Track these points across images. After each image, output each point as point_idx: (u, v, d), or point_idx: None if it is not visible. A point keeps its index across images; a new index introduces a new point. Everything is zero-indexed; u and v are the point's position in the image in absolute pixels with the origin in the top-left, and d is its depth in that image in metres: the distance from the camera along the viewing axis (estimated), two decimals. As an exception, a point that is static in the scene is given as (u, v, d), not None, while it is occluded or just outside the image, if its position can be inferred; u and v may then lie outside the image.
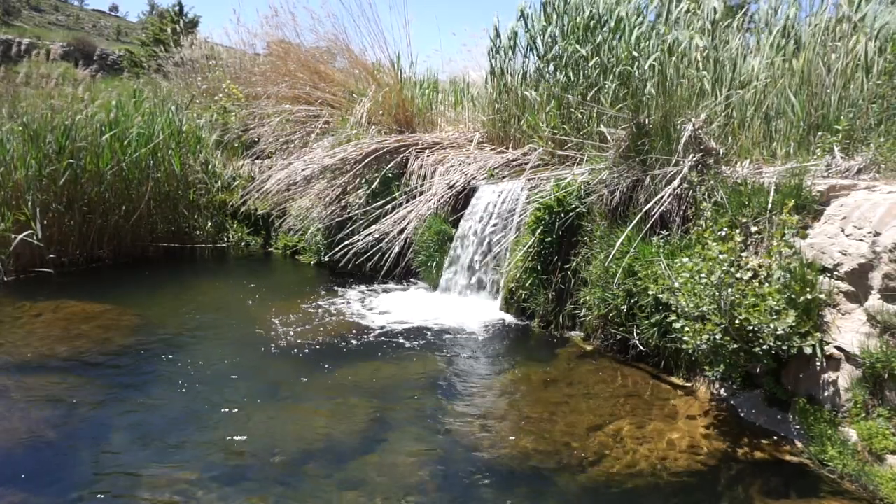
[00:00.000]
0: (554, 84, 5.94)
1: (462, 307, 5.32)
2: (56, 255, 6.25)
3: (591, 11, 5.58)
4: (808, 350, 3.01)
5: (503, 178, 5.83)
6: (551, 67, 6.05)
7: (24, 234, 5.77)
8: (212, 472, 2.75)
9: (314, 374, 3.87)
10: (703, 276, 3.15)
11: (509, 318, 5.08)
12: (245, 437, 3.06)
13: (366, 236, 6.02)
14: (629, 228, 4.07)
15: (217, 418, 3.27)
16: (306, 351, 4.24)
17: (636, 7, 5.49)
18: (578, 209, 4.68)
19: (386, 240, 5.95)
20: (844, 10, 4.32)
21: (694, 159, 4.00)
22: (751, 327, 3.02)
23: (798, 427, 3.12)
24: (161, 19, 18.65)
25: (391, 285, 6.02)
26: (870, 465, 2.76)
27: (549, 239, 4.75)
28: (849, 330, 3.01)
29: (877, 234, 2.93)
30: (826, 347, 3.05)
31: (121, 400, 3.46)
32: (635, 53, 5.03)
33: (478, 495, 2.67)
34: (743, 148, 4.32)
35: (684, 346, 3.29)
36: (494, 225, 5.42)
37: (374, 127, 7.03)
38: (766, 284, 3.15)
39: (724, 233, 3.36)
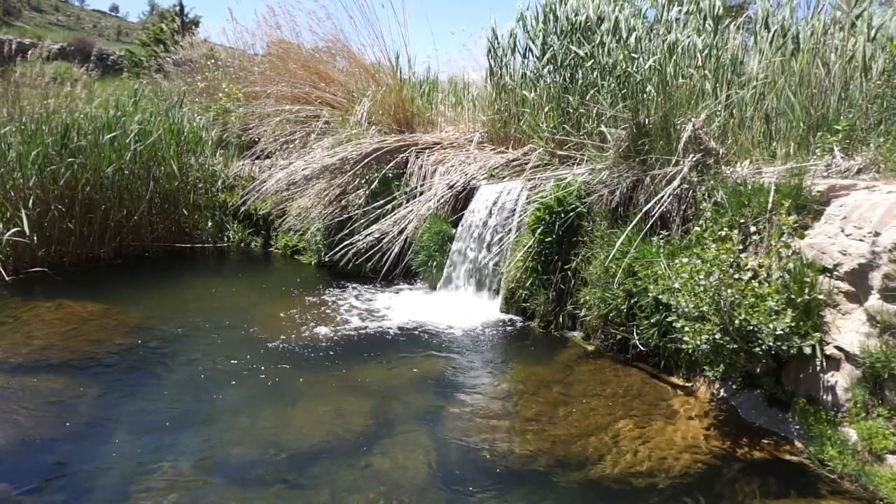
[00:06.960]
0: (553, 84, 5.94)
1: (462, 307, 5.32)
2: (56, 254, 6.25)
3: (588, 15, 5.57)
4: (808, 350, 3.02)
5: (503, 178, 5.83)
6: (550, 68, 6.04)
7: (10, 231, 5.74)
8: (212, 472, 2.76)
9: (314, 374, 3.87)
10: (701, 276, 3.15)
11: (509, 318, 5.07)
12: (245, 437, 3.07)
13: (366, 236, 6.03)
14: (629, 228, 4.07)
15: (217, 418, 3.27)
16: (306, 351, 4.24)
17: (634, 10, 5.49)
18: (578, 209, 4.68)
19: (386, 240, 5.95)
20: (842, 10, 4.32)
21: (694, 159, 4.00)
22: (750, 327, 3.03)
23: (798, 427, 3.12)
24: (162, 19, 18.63)
25: (391, 285, 6.01)
26: (870, 465, 2.76)
27: (550, 239, 4.75)
28: (849, 330, 3.01)
29: (877, 234, 2.93)
30: (826, 347, 3.05)
31: (120, 399, 3.46)
32: (634, 55, 5.02)
33: (478, 495, 2.67)
34: (743, 148, 4.32)
35: (684, 346, 3.30)
36: (495, 225, 5.42)
37: (373, 127, 7.02)
38: (766, 284, 3.16)
39: (723, 233, 3.36)
